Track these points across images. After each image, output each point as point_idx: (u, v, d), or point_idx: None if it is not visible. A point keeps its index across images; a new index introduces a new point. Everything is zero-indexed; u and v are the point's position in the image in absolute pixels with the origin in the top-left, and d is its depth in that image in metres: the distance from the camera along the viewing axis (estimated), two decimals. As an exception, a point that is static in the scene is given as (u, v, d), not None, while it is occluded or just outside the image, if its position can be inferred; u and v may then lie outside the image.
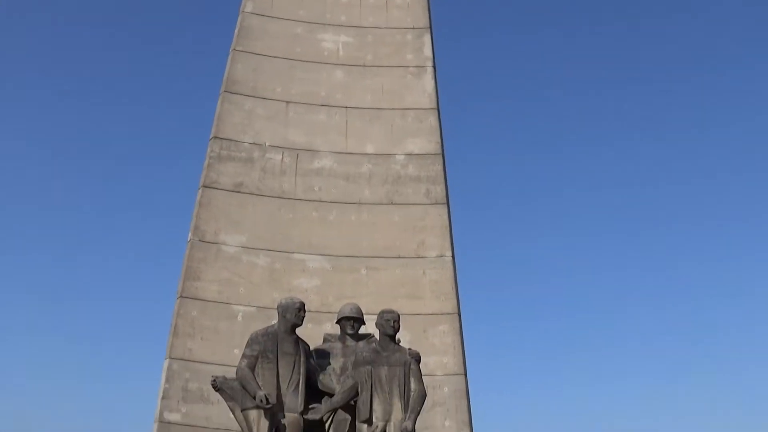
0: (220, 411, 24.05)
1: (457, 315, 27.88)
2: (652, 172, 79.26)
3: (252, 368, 18.66)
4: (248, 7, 29.65)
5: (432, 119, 29.54)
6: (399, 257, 28.35)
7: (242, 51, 29.33)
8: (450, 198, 29.41)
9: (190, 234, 27.81)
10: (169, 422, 25.39)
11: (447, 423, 26.26)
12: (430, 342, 26.49)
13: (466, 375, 27.20)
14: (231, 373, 19.04)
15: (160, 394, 25.90)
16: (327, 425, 19.58)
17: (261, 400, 18.02)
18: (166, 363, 26.32)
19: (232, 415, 19.60)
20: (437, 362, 26.39)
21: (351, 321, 20.29)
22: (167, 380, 25.90)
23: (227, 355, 24.36)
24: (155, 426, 25.67)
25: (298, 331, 19.39)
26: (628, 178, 79.47)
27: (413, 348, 19.64)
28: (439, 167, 29.66)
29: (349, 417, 19.38)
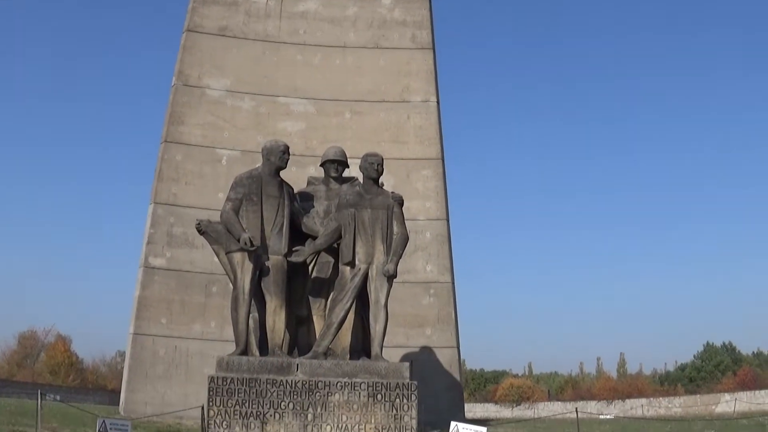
0: (204, 255, 24.45)
1: (440, 160, 28.12)
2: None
3: (236, 211, 18.76)
4: None
5: (418, -38, 29.22)
6: (383, 101, 28.39)
7: None
8: (436, 43, 29.29)
9: (174, 78, 27.74)
10: (153, 267, 25.79)
11: (428, 267, 26.75)
12: (413, 187, 26.76)
13: (448, 220, 27.59)
14: (216, 216, 19.19)
15: (145, 240, 26.25)
16: (310, 267, 19.92)
17: (245, 243, 18.21)
18: (150, 208, 26.60)
19: (216, 259, 19.83)
20: (420, 207, 26.71)
21: (335, 164, 20.33)
22: (152, 225, 26.21)
23: (212, 199, 24.60)
24: (140, 271, 26.08)
25: (282, 174, 19.43)
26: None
27: (396, 192, 19.73)
28: (426, 12, 29.45)
29: (332, 259, 19.71)
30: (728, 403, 78.59)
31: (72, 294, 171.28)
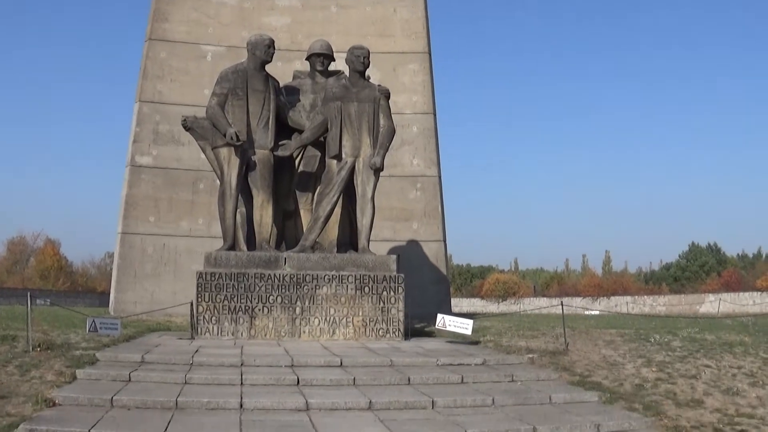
0: (190, 152, 24.34)
1: (427, 54, 27.88)
2: None
3: (222, 106, 18.64)
4: None
5: None
6: (370, -6, 28.05)
7: None
8: (421, -65, 28.83)
9: (157, -25, 27.31)
10: (140, 165, 25.67)
11: (415, 161, 26.70)
12: (400, 81, 26.56)
13: (435, 114, 27.45)
14: (202, 113, 19.05)
15: (131, 138, 26.08)
16: (297, 161, 19.90)
17: (231, 138, 18.12)
18: (136, 107, 26.39)
19: (203, 155, 19.79)
20: (406, 101, 26.55)
21: (321, 58, 20.13)
22: (138, 124, 26.03)
23: (197, 95, 24.40)
24: (127, 170, 25.97)
25: (267, 68, 19.27)
26: None
27: (383, 85, 19.60)
28: None
29: (318, 153, 19.69)
30: (712, 304, 79.39)
31: (60, 197, 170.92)
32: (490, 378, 13.51)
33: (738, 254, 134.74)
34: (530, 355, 15.54)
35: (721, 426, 11.04)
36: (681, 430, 10.74)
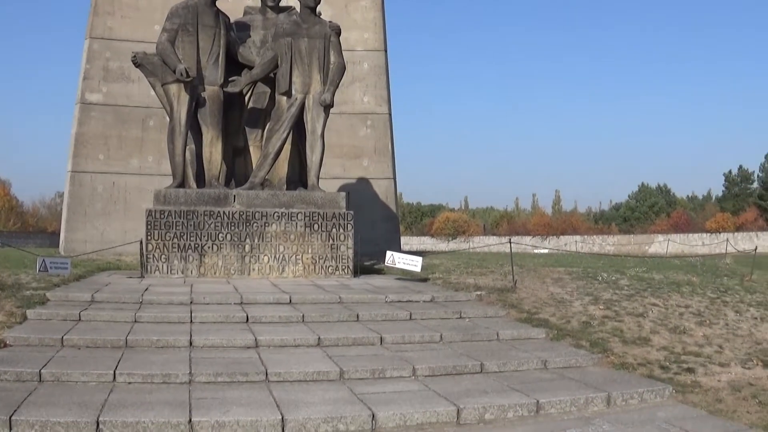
0: (140, 89, 24.07)
1: (379, -10, 27.65)
2: None
3: (172, 42, 18.41)
4: None
5: None
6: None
7: None
8: None
9: None
10: (90, 103, 25.34)
11: (366, 98, 26.58)
12: (352, 17, 26.34)
13: (386, 51, 27.29)
14: (152, 49, 18.81)
15: (81, 76, 25.71)
16: (246, 98, 19.73)
17: (181, 74, 17.93)
18: (86, 43, 25.97)
19: (153, 92, 19.56)
20: (358, 38, 26.36)
21: (271, -7, 19.90)
22: (88, 61, 25.64)
23: (148, 31, 24.04)
24: (77, 108, 25.64)
25: (218, 4, 19.03)
26: None
27: (333, 21, 19.47)
28: None
29: (268, 90, 19.53)
30: (661, 244, 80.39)
31: (10, 138, 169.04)
32: (439, 315, 13.61)
33: (688, 196, 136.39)
34: (478, 293, 15.65)
35: (667, 363, 11.18)
36: (627, 367, 10.86)
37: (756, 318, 14.76)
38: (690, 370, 10.83)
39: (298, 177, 19.50)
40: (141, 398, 8.19)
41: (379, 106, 26.69)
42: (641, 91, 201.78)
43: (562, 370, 10.55)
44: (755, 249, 28.04)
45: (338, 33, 19.02)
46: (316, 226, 18.24)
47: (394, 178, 27.04)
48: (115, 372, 9.00)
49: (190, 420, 7.46)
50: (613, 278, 18.14)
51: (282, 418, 7.62)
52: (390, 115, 27.04)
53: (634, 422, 8.37)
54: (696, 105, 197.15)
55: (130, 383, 8.86)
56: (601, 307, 14.62)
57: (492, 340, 12.12)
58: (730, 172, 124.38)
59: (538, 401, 8.67)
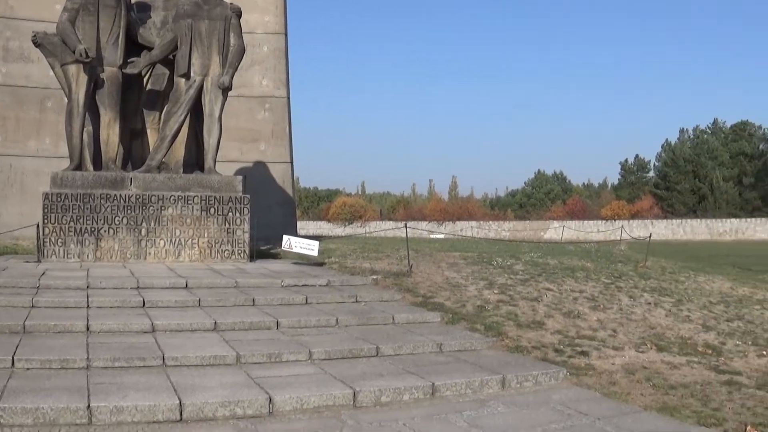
0: (40, 69, 23.62)
1: (280, -27, 27.53)
2: None
3: (73, 22, 18.14)
4: None
5: None
6: None
7: None
8: None
9: None
10: (-12, 83, 24.81)
11: (264, 82, 26.50)
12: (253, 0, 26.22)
13: (286, 35, 27.23)
14: (53, 30, 18.52)
15: (-23, 52, 25.14)
16: (145, 79, 19.56)
17: (80, 54, 17.70)
18: (-15, 22, 25.39)
19: (51, 73, 19.26)
20: (258, 20, 26.24)
21: (172, -27, 19.73)
22: (-14, 38, 25.09)
23: (49, 11, 23.56)
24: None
25: (119, -16, 18.81)
26: None
27: (234, 3, 19.39)
28: None
29: (167, 71, 19.40)
30: (556, 230, 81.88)
31: None
32: (335, 299, 13.78)
33: (584, 183, 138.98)
34: (374, 277, 15.84)
35: (561, 347, 11.46)
36: (522, 350, 11.10)
37: (650, 303, 15.21)
38: (584, 354, 11.14)
39: (195, 160, 19.40)
40: (40, 384, 8.15)
41: (278, 89, 26.63)
42: (538, 79, 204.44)
43: (458, 353, 10.77)
44: (650, 236, 28.70)
45: (239, 15, 18.97)
46: (212, 210, 18.19)
47: (291, 163, 27.03)
48: (13, 358, 8.93)
49: (89, 405, 7.46)
50: (508, 263, 18.47)
51: (180, 402, 7.66)
52: (288, 98, 27.00)
53: (529, 404, 8.60)
54: (593, 94, 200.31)
55: (28, 369, 8.81)
56: (495, 291, 14.90)
57: (388, 323, 12.32)
58: (626, 160, 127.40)
59: (433, 384, 8.85)
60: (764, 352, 12.47)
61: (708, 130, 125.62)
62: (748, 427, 7.95)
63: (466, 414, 8.06)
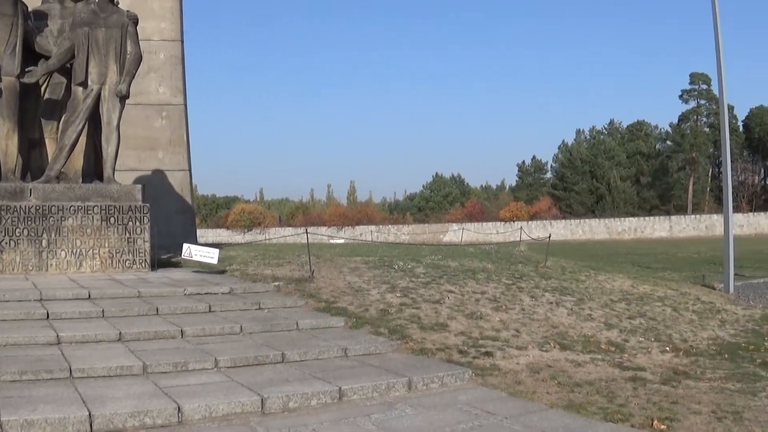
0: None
1: (177, -20, 27.38)
2: None
3: (-31, 31, 17.87)
4: None
5: None
6: None
7: None
8: None
9: None
10: None
11: (161, 89, 26.34)
12: (149, 6, 26.01)
13: (182, 41, 27.10)
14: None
15: None
16: (42, 89, 19.29)
17: (-23, 65, 17.45)
18: None
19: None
20: (155, 27, 26.05)
21: (69, -19, 19.51)
22: None
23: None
24: None
25: (14, -9, 18.56)
26: None
27: (131, 11, 19.28)
28: None
29: (65, 80, 19.16)
30: (456, 233, 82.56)
31: None
32: (238, 306, 13.83)
33: (482, 186, 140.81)
34: (276, 283, 15.90)
35: (466, 348, 11.68)
36: (427, 353, 11.28)
37: (551, 303, 15.56)
38: (488, 354, 11.40)
39: (94, 169, 19.21)
40: (-54, 399, 8.07)
41: (175, 97, 26.49)
42: (435, 83, 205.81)
43: (363, 357, 10.94)
44: (549, 237, 29.27)
45: (135, 22, 18.87)
46: (112, 220, 18.04)
47: (190, 170, 26.89)
48: None
49: (-1, 419, 7.42)
50: (410, 266, 18.67)
51: (89, 414, 7.69)
52: (185, 106, 26.86)
53: (436, 405, 8.79)
54: (489, 96, 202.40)
55: (-66, 384, 8.70)
56: (398, 294, 15.08)
57: (292, 329, 12.44)
58: (523, 162, 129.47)
59: (340, 388, 9.00)
60: (667, 348, 12.92)
61: (604, 130, 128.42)
62: (655, 422, 8.24)
63: (374, 417, 8.21)
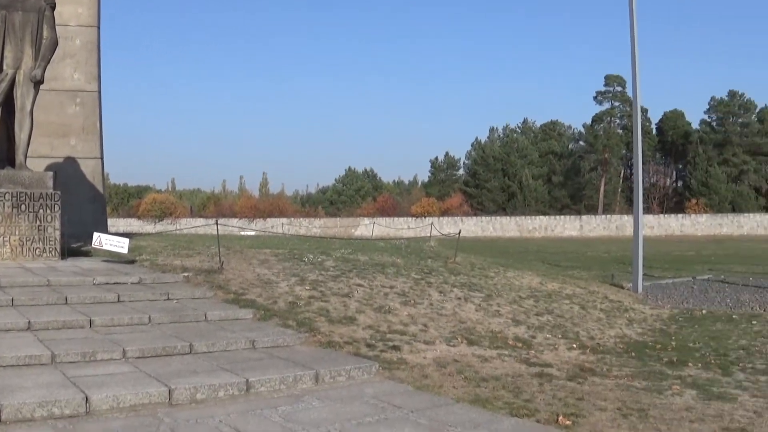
0: None
1: (94, -36, 27.08)
2: None
3: None
4: None
5: None
6: None
7: None
8: None
9: None
10: None
11: (76, 75, 26.04)
12: (67, -9, 25.73)
13: (99, 27, 26.80)
14: None
15: None
16: (-44, 73, 19.03)
17: None
18: None
19: None
20: (72, 12, 25.74)
21: (-15, -36, 19.26)
22: None
23: None
24: None
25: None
26: None
27: (50, -5, 19.15)
28: None
29: (-21, 64, 18.90)
30: (367, 227, 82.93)
31: None
32: (146, 296, 13.87)
33: (394, 181, 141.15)
34: (186, 274, 15.95)
35: (373, 342, 11.84)
36: (334, 345, 11.42)
37: (460, 298, 15.82)
38: (396, 348, 11.58)
39: (6, 155, 19.00)
40: None
41: (89, 83, 26.21)
42: (349, 76, 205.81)
43: (271, 349, 11.06)
44: (459, 232, 29.59)
45: (53, 7, 18.74)
46: (23, 207, 17.88)
47: (102, 158, 26.60)
48: None
49: None
50: (319, 260, 18.81)
51: (-2, 403, 7.66)
52: (99, 93, 26.58)
53: (342, 398, 8.94)
54: (402, 91, 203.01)
55: None
56: (307, 287, 15.21)
57: (200, 321, 12.52)
58: (436, 158, 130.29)
59: (248, 380, 9.10)
60: (574, 345, 13.26)
61: (518, 129, 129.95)
62: (560, 417, 8.47)
63: (281, 409, 8.33)
